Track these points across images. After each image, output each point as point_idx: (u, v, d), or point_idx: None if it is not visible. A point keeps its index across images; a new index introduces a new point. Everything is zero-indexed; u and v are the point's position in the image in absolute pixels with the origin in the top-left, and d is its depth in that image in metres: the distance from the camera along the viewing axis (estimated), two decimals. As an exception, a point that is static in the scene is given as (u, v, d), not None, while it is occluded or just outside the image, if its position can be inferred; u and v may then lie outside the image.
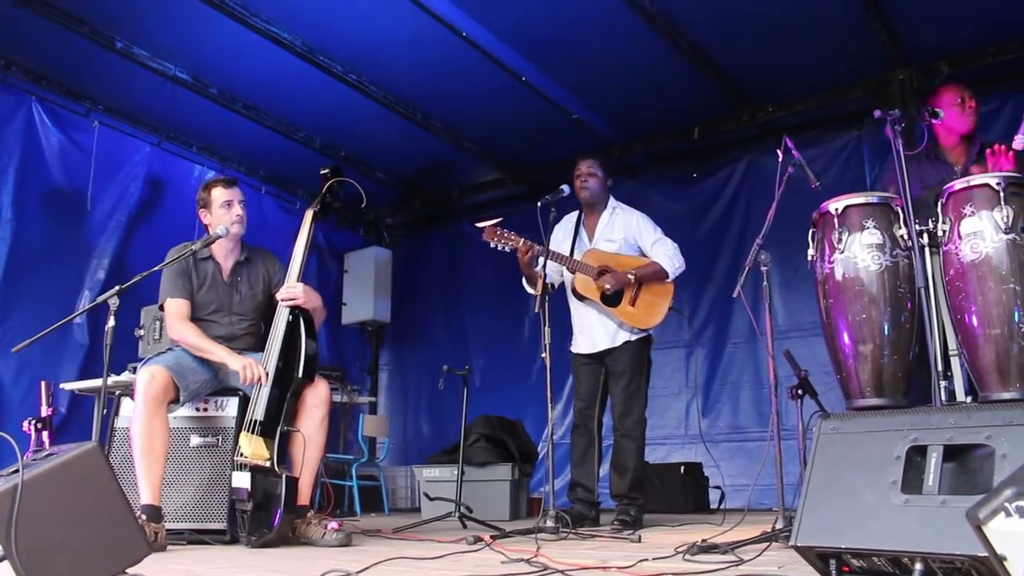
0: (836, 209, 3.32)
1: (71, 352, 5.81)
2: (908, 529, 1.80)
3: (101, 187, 6.23)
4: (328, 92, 6.08)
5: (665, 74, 5.89)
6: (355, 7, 5.18)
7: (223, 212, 3.83)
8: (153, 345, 5.14)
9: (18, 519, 1.73)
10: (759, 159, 6.63)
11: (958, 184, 3.21)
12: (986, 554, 1.16)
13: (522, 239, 4.27)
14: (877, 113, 3.05)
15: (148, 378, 3.44)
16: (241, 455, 3.37)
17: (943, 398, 3.13)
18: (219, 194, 3.86)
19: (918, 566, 1.75)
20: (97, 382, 5.12)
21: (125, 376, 4.73)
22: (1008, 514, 1.08)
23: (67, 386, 5.32)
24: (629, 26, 5.27)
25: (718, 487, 5.73)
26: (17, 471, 1.81)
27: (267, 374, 3.48)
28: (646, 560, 2.63)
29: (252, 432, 3.38)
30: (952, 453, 1.85)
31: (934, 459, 1.85)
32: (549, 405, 3.88)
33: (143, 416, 3.38)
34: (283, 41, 5.45)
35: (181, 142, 6.75)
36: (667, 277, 4.45)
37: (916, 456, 1.89)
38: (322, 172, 3.85)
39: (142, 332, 5.23)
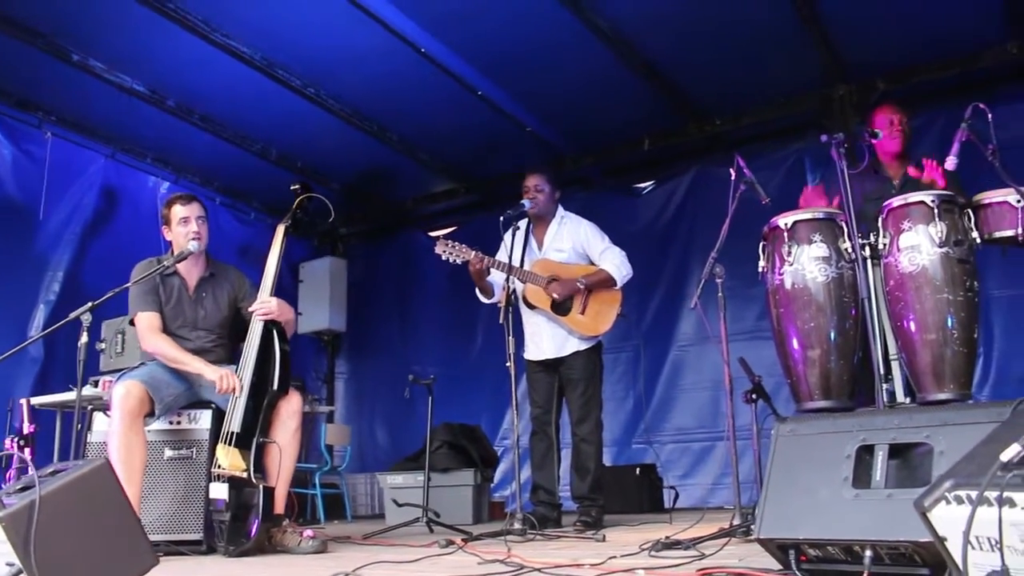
0: (786, 224, 3.52)
1: (26, 367, 5.75)
2: (858, 520, 1.99)
3: (55, 199, 6.19)
4: (286, 104, 6.13)
5: (616, 87, 6.07)
6: (314, 22, 5.25)
7: (181, 229, 3.91)
8: (115, 359, 5.19)
9: (36, 534, 1.82)
10: (707, 169, 6.86)
11: (897, 201, 3.45)
12: (926, 540, 1.35)
13: (474, 252, 4.39)
14: (824, 138, 3.27)
15: (124, 393, 3.51)
16: (218, 466, 3.46)
17: (885, 399, 3.36)
18: (177, 211, 3.94)
19: (868, 553, 1.94)
20: (58, 397, 5.17)
21: (88, 390, 4.75)
22: (948, 502, 1.26)
23: (34, 401, 5.30)
24: (582, 41, 5.43)
25: (672, 487, 5.93)
26: (29, 487, 1.91)
27: (242, 384, 3.57)
28: (615, 557, 2.79)
29: (229, 444, 3.47)
30: (896, 451, 2.05)
31: (880, 457, 2.05)
32: (515, 412, 4.01)
33: (120, 431, 3.45)
34: (242, 55, 5.50)
35: (136, 153, 6.75)
36: (615, 284, 4.56)
37: (865, 455, 2.09)
38: (293, 188, 3.95)
39: (103, 346, 5.26)
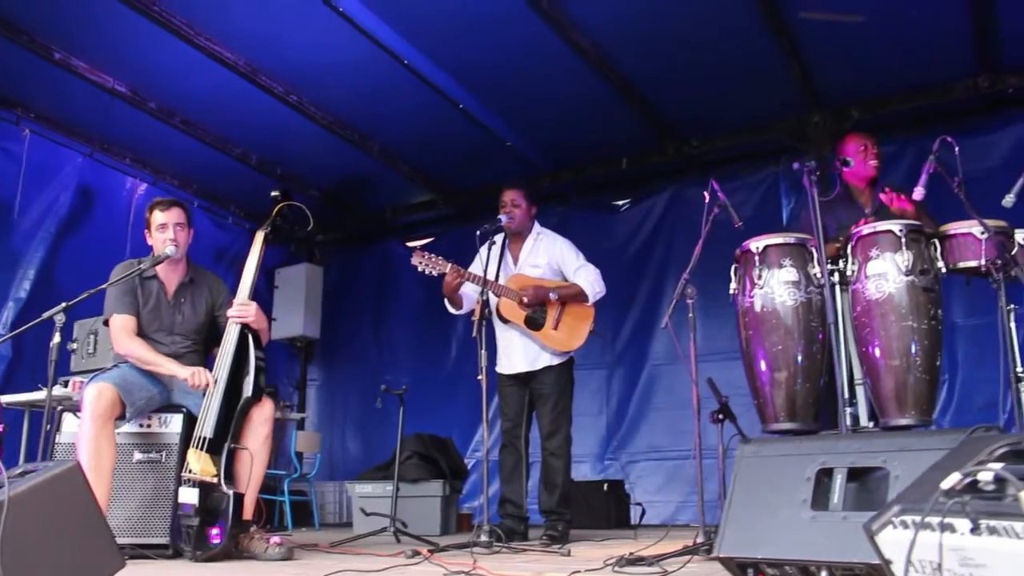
0: (757, 248, 3.61)
1: (-9, 364, 5.74)
2: (815, 541, 2.05)
3: (31, 196, 6.16)
4: (267, 110, 6.14)
5: (596, 106, 6.13)
6: (299, 31, 5.28)
7: (159, 235, 3.92)
8: (87, 359, 5.16)
9: (4, 535, 1.83)
10: (683, 190, 6.95)
11: (866, 229, 3.54)
12: (878, 562, 1.40)
13: (450, 264, 4.43)
14: (796, 165, 3.35)
15: (95, 395, 3.51)
16: (189, 471, 3.47)
17: (848, 423, 3.43)
18: (156, 216, 3.95)
19: (823, 573, 2.00)
20: (27, 396, 5.14)
21: (57, 390, 4.73)
22: (894, 526, 1.31)
23: (3, 399, 5.26)
24: (563, 59, 5.49)
25: (639, 504, 5.98)
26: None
27: (215, 380, 3.59)
28: (578, 572, 2.83)
29: (200, 449, 3.48)
30: (854, 474, 2.11)
31: (839, 480, 2.11)
32: (485, 426, 4.06)
33: (90, 433, 3.44)
34: (226, 60, 5.51)
35: (115, 154, 6.72)
36: (587, 300, 4.61)
37: (824, 477, 2.15)
38: (272, 195, 3.98)
39: (75, 346, 5.23)
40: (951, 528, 1.22)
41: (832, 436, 2.23)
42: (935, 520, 1.22)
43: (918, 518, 1.24)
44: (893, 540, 1.29)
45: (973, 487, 1.25)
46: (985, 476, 1.22)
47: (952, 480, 1.24)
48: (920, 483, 1.39)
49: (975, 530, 1.18)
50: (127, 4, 4.87)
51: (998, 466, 1.22)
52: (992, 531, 1.16)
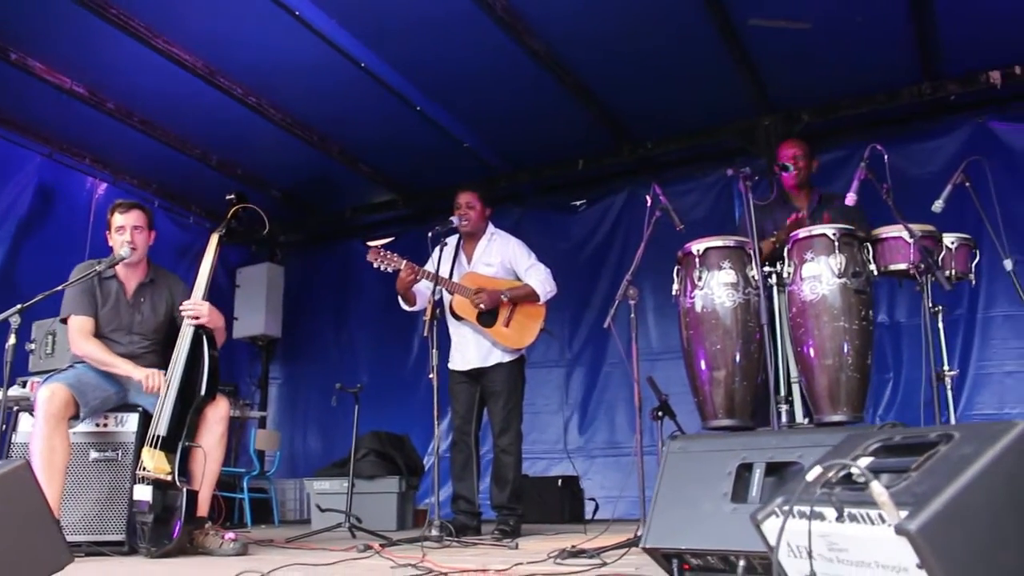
0: (698, 250, 3.74)
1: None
2: (735, 532, 2.16)
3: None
4: (227, 111, 6.18)
5: (552, 109, 6.24)
6: (257, 34, 5.32)
7: (117, 237, 3.98)
8: (45, 359, 5.19)
9: (-46, 529, 1.90)
10: (638, 191, 7.04)
11: (802, 232, 3.69)
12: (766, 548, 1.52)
13: (404, 261, 4.52)
14: (729, 172, 3.49)
15: (48, 395, 3.56)
16: (144, 469, 3.53)
17: (784, 420, 3.58)
18: (115, 219, 4.01)
19: (742, 563, 2.11)
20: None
21: (15, 391, 4.76)
22: (777, 515, 1.43)
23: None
24: (519, 63, 5.58)
25: (592, 499, 6.10)
26: (-51, 485, 1.98)
27: (168, 384, 3.66)
28: (521, 564, 2.94)
29: (154, 447, 3.55)
30: (772, 469, 2.22)
31: (757, 474, 2.22)
32: (436, 422, 4.15)
33: (43, 432, 3.50)
34: (184, 62, 5.55)
35: (74, 154, 6.72)
36: (539, 300, 4.72)
37: (744, 472, 2.26)
38: (228, 197, 4.04)
39: (33, 346, 5.26)
40: (820, 516, 1.34)
41: (752, 433, 2.35)
42: (806, 509, 1.34)
43: (792, 507, 1.36)
44: (775, 528, 1.40)
45: (847, 479, 1.38)
46: (841, 469, 1.34)
47: (814, 473, 1.36)
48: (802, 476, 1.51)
49: (839, 518, 1.30)
50: (84, 6, 4.90)
51: (862, 460, 1.35)
52: (852, 518, 1.28)
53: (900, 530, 1.16)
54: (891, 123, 6.23)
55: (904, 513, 1.18)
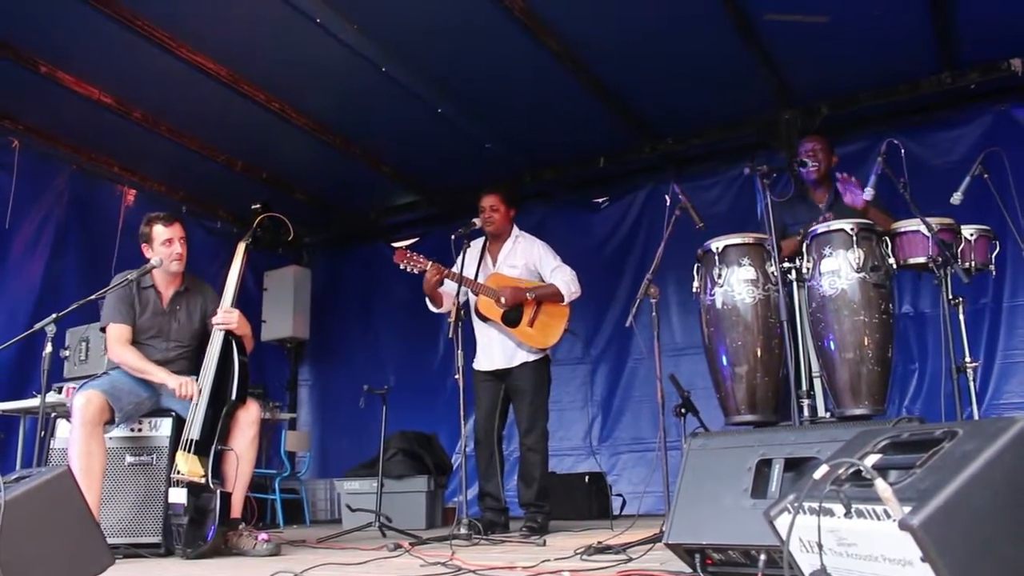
0: (717, 248, 3.77)
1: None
2: (755, 527, 2.20)
3: (21, 207, 6.28)
4: (251, 117, 6.26)
5: (574, 107, 6.27)
6: (279, 40, 5.39)
7: (164, 249, 4.07)
8: (79, 365, 5.30)
9: (1, 537, 1.98)
10: (660, 187, 7.06)
11: (820, 228, 3.71)
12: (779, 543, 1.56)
13: (430, 262, 4.58)
14: (746, 170, 3.51)
15: (84, 402, 3.67)
16: (177, 472, 3.63)
17: (807, 414, 3.60)
18: (160, 231, 4.09)
19: (762, 556, 2.15)
20: (22, 403, 5.30)
21: (51, 397, 4.88)
22: (789, 512, 1.47)
23: (1, 406, 5.41)
24: (540, 63, 5.61)
25: (619, 495, 6.14)
26: (-6, 492, 2.07)
27: (200, 390, 3.76)
28: (548, 560, 2.99)
29: (188, 451, 3.64)
30: (791, 464, 2.27)
31: (777, 470, 2.26)
32: (462, 421, 4.22)
33: (80, 438, 3.60)
34: (208, 70, 5.65)
35: (103, 163, 6.85)
36: (563, 300, 4.76)
37: (764, 468, 2.30)
38: (253, 207, 4.13)
39: (68, 353, 5.38)
40: (830, 512, 1.38)
41: (771, 429, 2.39)
42: (816, 505, 1.39)
43: (801, 504, 1.40)
44: (787, 524, 1.45)
45: (856, 476, 1.42)
46: (849, 467, 1.38)
47: (821, 471, 1.41)
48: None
49: (848, 514, 1.34)
50: (110, 17, 5.00)
51: (872, 458, 1.39)
52: (860, 514, 1.32)
53: (903, 525, 1.21)
54: (912, 113, 6.20)
55: (907, 509, 1.22)
